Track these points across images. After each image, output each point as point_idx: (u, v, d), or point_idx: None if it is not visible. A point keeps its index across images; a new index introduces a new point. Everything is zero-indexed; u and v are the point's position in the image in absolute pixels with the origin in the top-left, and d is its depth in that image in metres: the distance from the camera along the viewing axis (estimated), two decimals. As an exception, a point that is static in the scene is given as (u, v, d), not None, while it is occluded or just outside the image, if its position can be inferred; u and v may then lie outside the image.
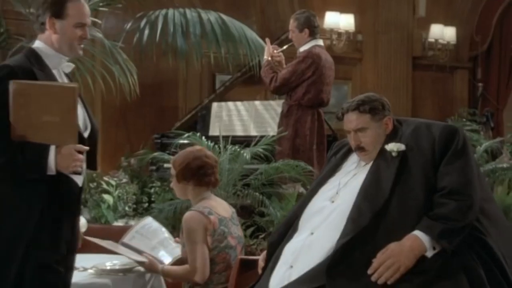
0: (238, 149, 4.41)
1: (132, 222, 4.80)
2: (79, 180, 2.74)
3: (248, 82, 6.61)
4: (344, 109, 2.72)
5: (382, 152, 2.64)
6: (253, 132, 5.49)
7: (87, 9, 2.82)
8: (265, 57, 5.15)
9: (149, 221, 3.43)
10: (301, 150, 5.11)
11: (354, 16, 8.10)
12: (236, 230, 3.18)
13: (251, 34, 5.41)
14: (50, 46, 2.74)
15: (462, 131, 2.65)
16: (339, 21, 7.96)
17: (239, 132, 5.55)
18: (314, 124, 5.20)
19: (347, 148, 2.79)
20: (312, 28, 5.17)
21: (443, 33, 8.64)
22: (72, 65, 2.85)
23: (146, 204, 5.17)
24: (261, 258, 2.75)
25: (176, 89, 7.52)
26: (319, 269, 2.45)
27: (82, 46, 2.82)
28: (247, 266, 3.07)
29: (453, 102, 8.89)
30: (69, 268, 2.76)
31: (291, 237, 2.65)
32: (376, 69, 8.44)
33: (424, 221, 2.48)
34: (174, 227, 4.75)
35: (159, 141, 5.84)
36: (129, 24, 5.43)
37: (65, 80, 2.82)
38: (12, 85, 2.55)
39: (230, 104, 5.76)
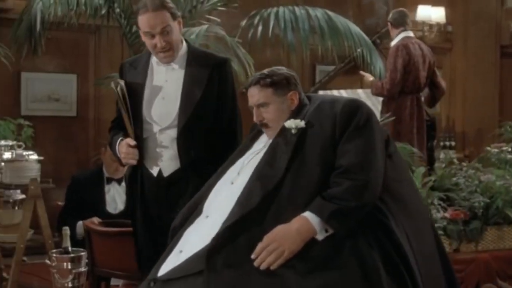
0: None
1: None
2: (154, 171, 2.85)
3: (348, 72, 6.71)
4: (247, 83, 2.46)
5: (282, 130, 2.34)
6: (356, 118, 5.63)
7: (150, 19, 2.74)
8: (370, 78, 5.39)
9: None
10: (402, 134, 5.21)
11: (445, 8, 8.08)
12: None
13: (354, 28, 5.52)
14: None
15: (366, 106, 2.32)
16: (431, 13, 7.96)
17: (343, 117, 5.68)
18: (413, 110, 5.31)
19: (258, 128, 2.51)
20: (399, 25, 5.33)
21: (530, 22, 8.50)
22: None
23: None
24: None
25: (280, 79, 7.66)
26: (201, 254, 2.17)
27: (163, 54, 2.79)
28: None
29: (540, 88, 8.74)
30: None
31: (192, 222, 2.39)
32: (465, 57, 8.40)
33: (316, 201, 2.18)
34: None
35: (271, 125, 6.00)
36: (244, 21, 5.63)
37: (164, 76, 2.86)
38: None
39: (335, 92, 5.89)
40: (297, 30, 5.36)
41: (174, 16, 2.80)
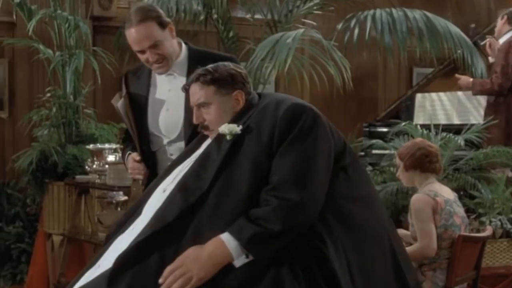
0: (452, 136, 4.40)
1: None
2: None
3: (447, 74, 6.53)
4: (188, 80, 2.20)
5: (217, 136, 2.09)
6: (456, 121, 5.47)
7: (136, 35, 2.56)
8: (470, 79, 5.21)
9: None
10: (511, 137, 5.01)
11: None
12: (460, 211, 3.23)
13: (454, 29, 5.37)
14: None
15: (313, 110, 2.03)
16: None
17: (442, 120, 5.52)
18: (525, 111, 5.09)
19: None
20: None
21: None
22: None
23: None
24: None
25: (375, 81, 7.58)
26: (106, 274, 1.93)
27: (157, 65, 2.62)
28: (468, 242, 3.11)
29: None
30: None
31: (123, 231, 2.15)
32: None
33: (237, 222, 1.91)
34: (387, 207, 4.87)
35: (367, 129, 5.94)
36: (340, 24, 5.58)
37: (166, 84, 2.70)
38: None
39: (433, 94, 5.75)
40: (394, 32, 5.27)
41: (162, 25, 2.60)
